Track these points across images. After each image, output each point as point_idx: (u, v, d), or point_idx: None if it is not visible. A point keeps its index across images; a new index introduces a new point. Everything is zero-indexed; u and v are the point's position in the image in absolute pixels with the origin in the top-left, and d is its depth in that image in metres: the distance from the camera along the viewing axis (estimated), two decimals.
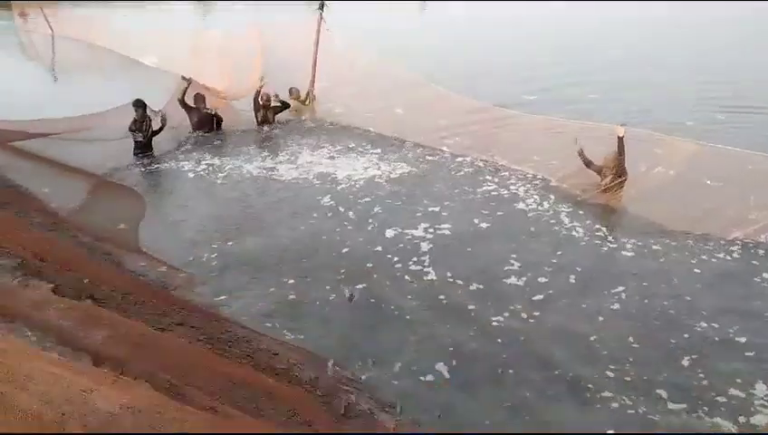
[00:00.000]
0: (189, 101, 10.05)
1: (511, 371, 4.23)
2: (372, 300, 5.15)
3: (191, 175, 8.44)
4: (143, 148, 9.25)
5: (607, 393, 4.02)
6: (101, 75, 15.53)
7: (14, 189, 6.81)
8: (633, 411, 3.85)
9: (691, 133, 8.56)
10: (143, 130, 9.21)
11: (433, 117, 9.86)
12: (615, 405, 3.91)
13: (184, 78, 10.04)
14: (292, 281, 5.43)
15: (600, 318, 4.91)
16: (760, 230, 6.17)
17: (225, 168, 8.60)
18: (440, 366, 4.28)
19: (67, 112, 9.32)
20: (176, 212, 7.21)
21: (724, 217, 6.43)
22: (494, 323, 4.80)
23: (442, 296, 5.19)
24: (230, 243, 6.23)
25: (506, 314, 4.93)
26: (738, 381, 4.15)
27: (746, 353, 4.45)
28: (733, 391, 4.05)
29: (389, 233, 6.42)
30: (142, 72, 15.23)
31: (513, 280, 5.49)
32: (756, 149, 6.80)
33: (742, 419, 3.82)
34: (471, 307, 5.01)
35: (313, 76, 11.01)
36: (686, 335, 4.67)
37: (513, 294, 5.26)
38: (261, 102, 10.52)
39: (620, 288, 5.36)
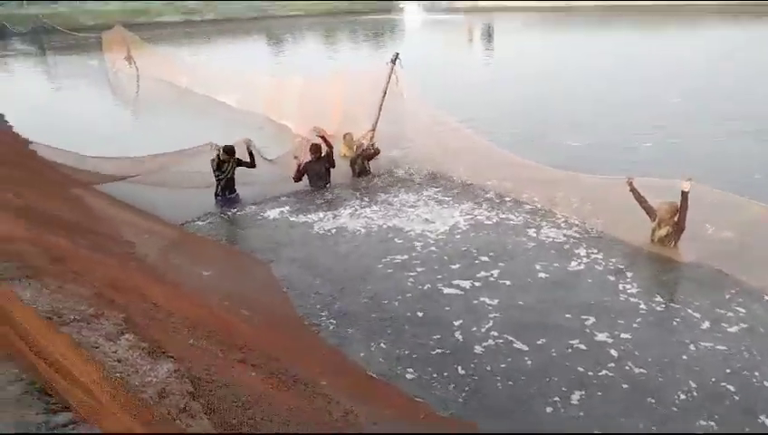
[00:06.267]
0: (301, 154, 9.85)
1: None
2: None
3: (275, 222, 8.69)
4: (224, 189, 9.21)
5: None
6: (187, 115, 16.50)
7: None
8: None
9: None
10: (223, 169, 9.15)
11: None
12: None
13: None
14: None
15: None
16: None
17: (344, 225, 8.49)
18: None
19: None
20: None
21: None
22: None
23: None
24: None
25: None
26: None
27: None
28: None
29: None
30: (225, 111, 16.19)
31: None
32: None
33: None
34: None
35: (376, 123, 10.89)
36: None
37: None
38: (361, 152, 10.39)
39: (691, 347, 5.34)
